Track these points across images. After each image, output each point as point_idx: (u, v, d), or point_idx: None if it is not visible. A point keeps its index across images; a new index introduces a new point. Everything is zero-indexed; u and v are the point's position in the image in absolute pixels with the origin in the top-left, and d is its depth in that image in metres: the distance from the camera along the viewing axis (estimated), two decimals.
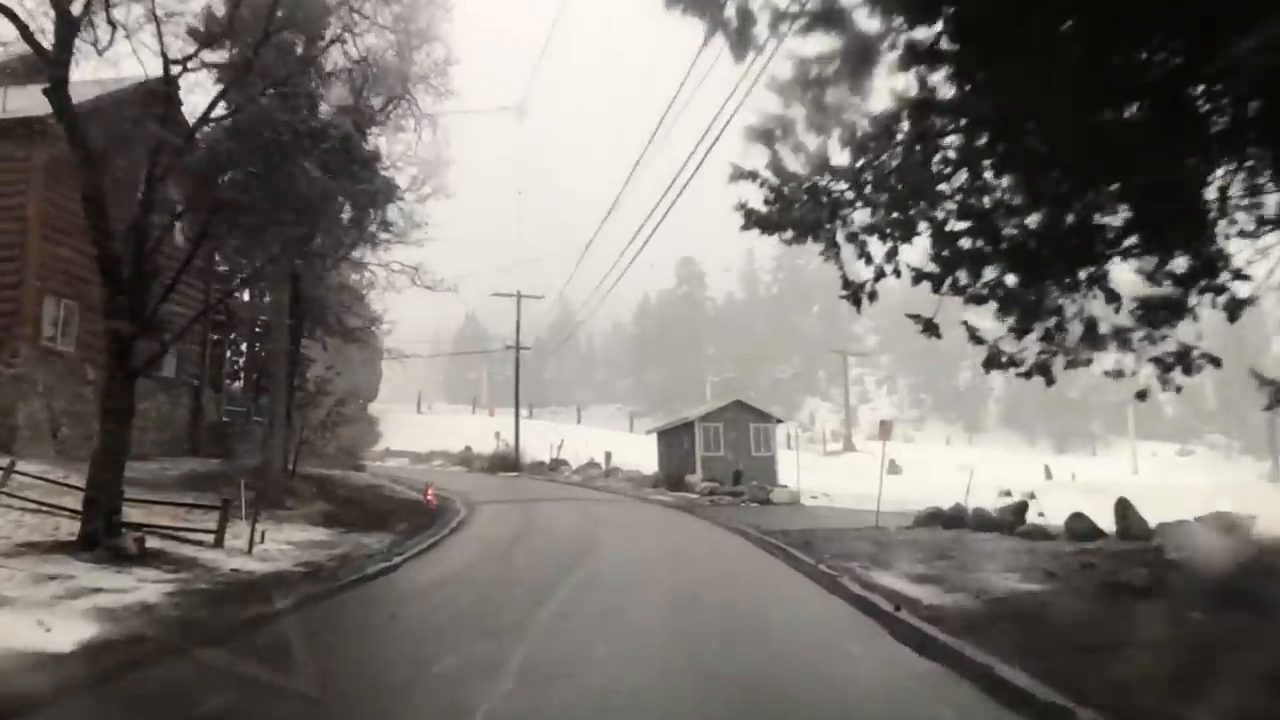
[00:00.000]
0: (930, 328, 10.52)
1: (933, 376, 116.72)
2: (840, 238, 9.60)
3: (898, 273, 9.90)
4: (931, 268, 9.92)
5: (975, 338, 10.21)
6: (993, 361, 10.09)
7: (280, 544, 15.94)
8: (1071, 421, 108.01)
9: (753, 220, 9.34)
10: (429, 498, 25.30)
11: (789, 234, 9.51)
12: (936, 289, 9.92)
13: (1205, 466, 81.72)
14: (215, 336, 29.29)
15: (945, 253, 9.38)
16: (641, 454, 52.54)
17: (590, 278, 28.19)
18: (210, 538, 14.31)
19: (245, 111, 19.19)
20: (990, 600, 9.90)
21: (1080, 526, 14.92)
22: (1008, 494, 27.21)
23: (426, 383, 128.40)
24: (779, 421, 36.60)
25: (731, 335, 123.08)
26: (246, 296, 30.41)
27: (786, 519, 23.08)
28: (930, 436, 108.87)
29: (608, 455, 44.93)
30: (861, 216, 9.72)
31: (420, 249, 26.75)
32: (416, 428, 74.57)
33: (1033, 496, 26.08)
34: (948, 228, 9.32)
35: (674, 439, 37.33)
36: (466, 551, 16.62)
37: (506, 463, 43.01)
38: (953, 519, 18.85)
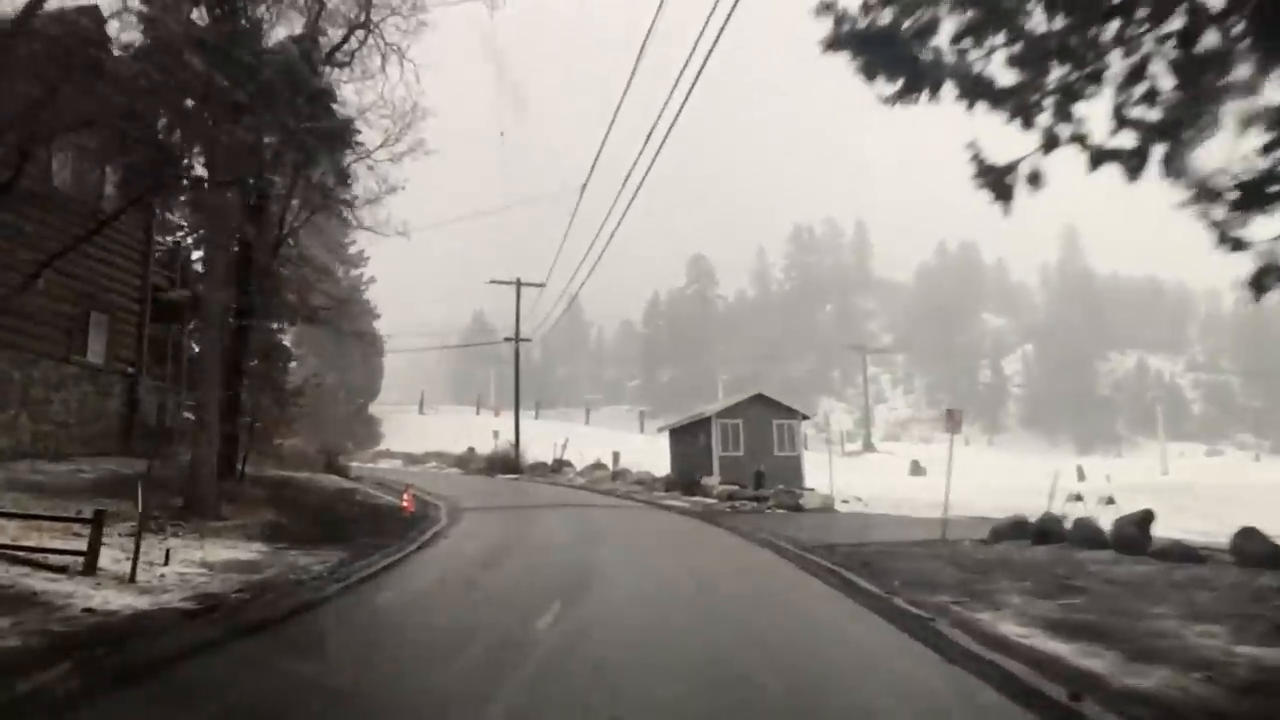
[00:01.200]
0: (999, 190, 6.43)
1: (950, 375, 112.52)
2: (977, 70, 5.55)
3: (1079, 140, 5.83)
4: (1126, 138, 5.83)
5: (1232, 240, 5.85)
6: (1268, 278, 5.74)
7: (187, 567, 12.00)
8: (1095, 422, 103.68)
9: (842, 36, 5.39)
10: (405, 504, 21.40)
11: (895, 73, 5.52)
12: (1135, 170, 5.84)
13: (1237, 467, 77.04)
14: (179, 326, 25.38)
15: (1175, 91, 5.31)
16: (652, 455, 48.61)
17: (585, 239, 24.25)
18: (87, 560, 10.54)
19: (162, 27, 15.44)
20: (1235, 683, 5.92)
21: (1257, 548, 10.83)
22: (1078, 498, 23.17)
23: (434, 384, 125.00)
24: (804, 417, 32.58)
25: (743, 334, 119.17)
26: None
27: (825, 529, 19.10)
28: (948, 437, 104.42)
29: (615, 456, 40.97)
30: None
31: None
32: (418, 428, 70.96)
33: (1110, 501, 22.04)
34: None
35: (688, 438, 33.33)
36: (424, 579, 12.65)
37: (506, 464, 39.08)
38: (1044, 532, 14.78)
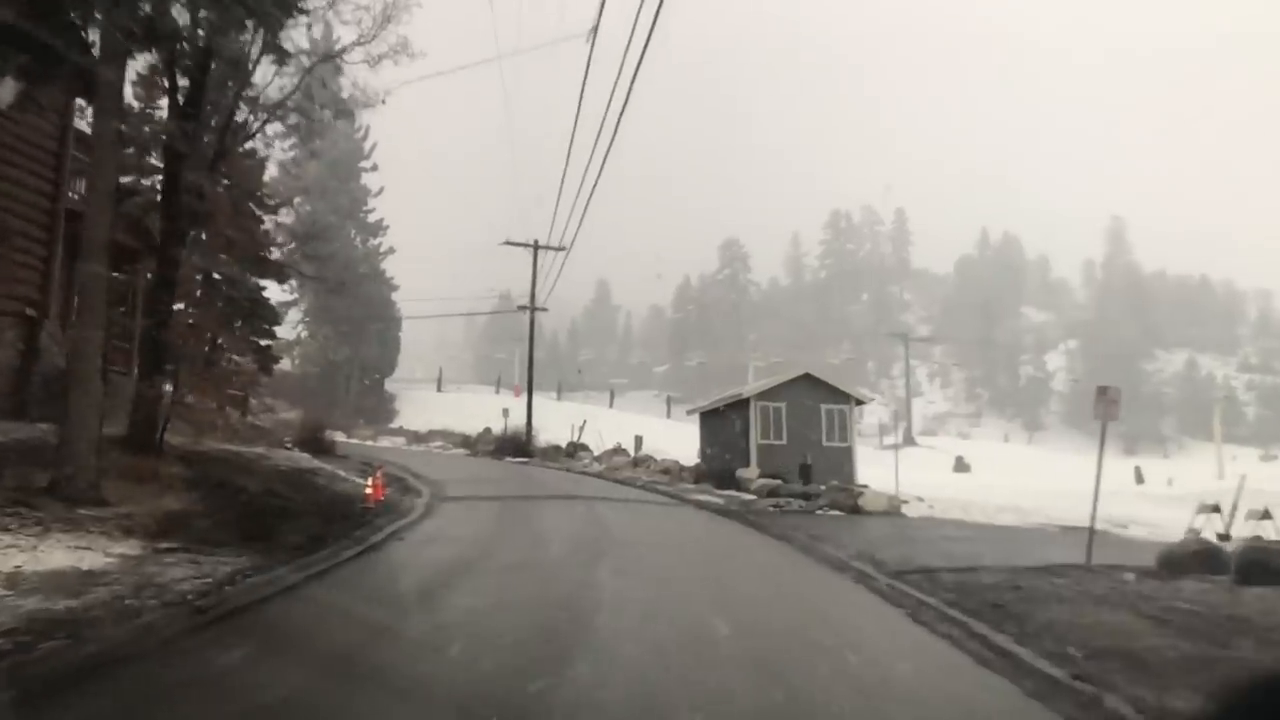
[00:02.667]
0: None
1: (990, 370, 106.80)
2: None
3: None
4: None
5: None
6: None
7: None
8: (1142, 422, 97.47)
9: None
10: (372, 490, 16.80)
11: None
12: None
13: None
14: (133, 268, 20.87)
15: None
16: (679, 441, 43.87)
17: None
18: None
19: None
20: None
21: None
22: (1214, 509, 18.15)
23: (460, 365, 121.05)
24: (859, 402, 27.64)
25: (775, 322, 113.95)
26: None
27: (905, 542, 14.38)
28: (987, 433, 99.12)
29: (638, 440, 36.25)
30: None
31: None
32: (435, 406, 66.48)
33: (1266, 515, 17.03)
34: None
35: (722, 422, 28.53)
36: (327, 617, 8.06)
37: (516, 446, 34.42)
38: (1255, 566, 9.89)
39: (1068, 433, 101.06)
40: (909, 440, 66.69)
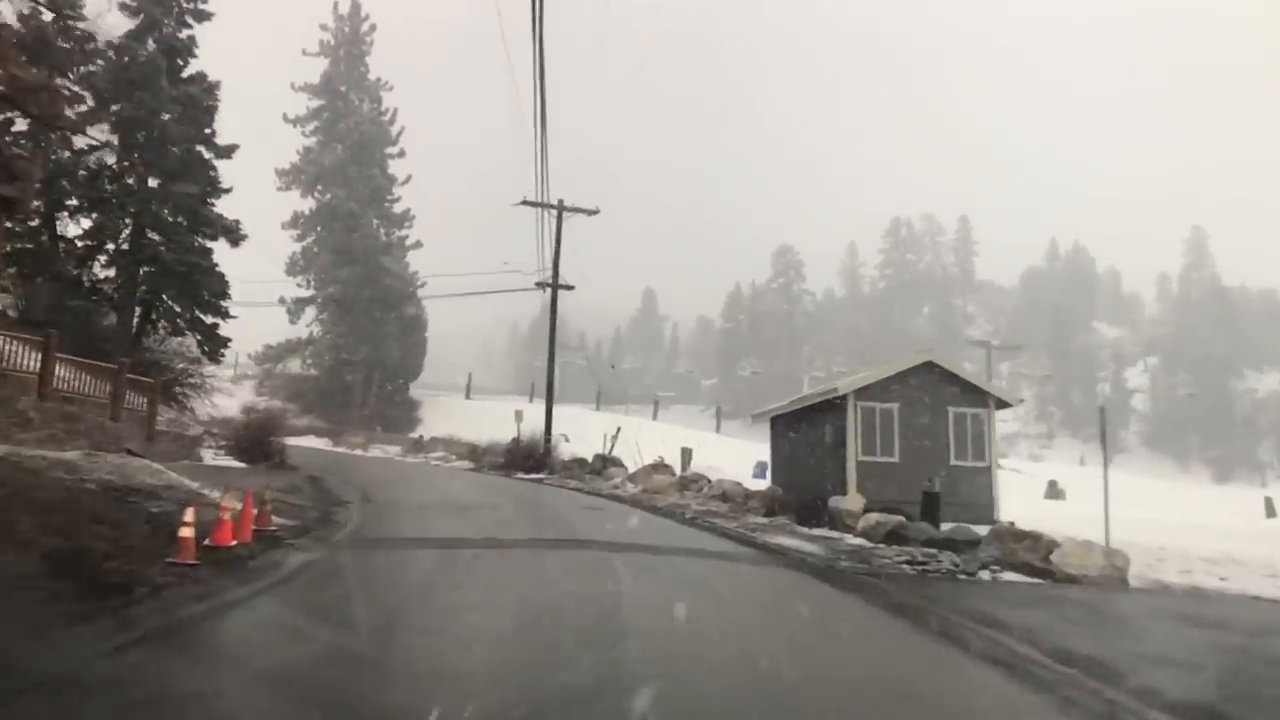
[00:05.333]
0: None
1: (1062, 387, 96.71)
2: None
3: None
4: None
5: None
6: None
7: None
8: (1237, 446, 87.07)
9: None
10: (220, 528, 8.88)
11: None
12: None
13: None
14: None
15: None
16: (733, 458, 35.55)
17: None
18: None
19: None
20: None
21: None
22: None
23: (500, 373, 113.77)
24: (1002, 404, 19.17)
25: (831, 333, 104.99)
26: None
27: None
28: (1060, 455, 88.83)
29: (686, 454, 28.05)
30: None
31: None
32: (461, 414, 58.44)
33: None
34: None
35: (803, 431, 20.24)
36: None
37: (530, 458, 26.41)
38: None
39: (1149, 455, 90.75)
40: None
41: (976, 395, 18.35)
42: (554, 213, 27.54)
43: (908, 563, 12.25)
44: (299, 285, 56.27)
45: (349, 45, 59.10)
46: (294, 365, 57.50)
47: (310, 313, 56.88)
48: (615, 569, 9.39)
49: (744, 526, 15.81)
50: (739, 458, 37.18)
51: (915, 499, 16.79)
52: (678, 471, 25.18)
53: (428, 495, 17.59)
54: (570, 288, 28.94)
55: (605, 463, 26.68)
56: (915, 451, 17.84)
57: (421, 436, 37.57)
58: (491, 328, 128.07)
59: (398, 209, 58.87)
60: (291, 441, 35.21)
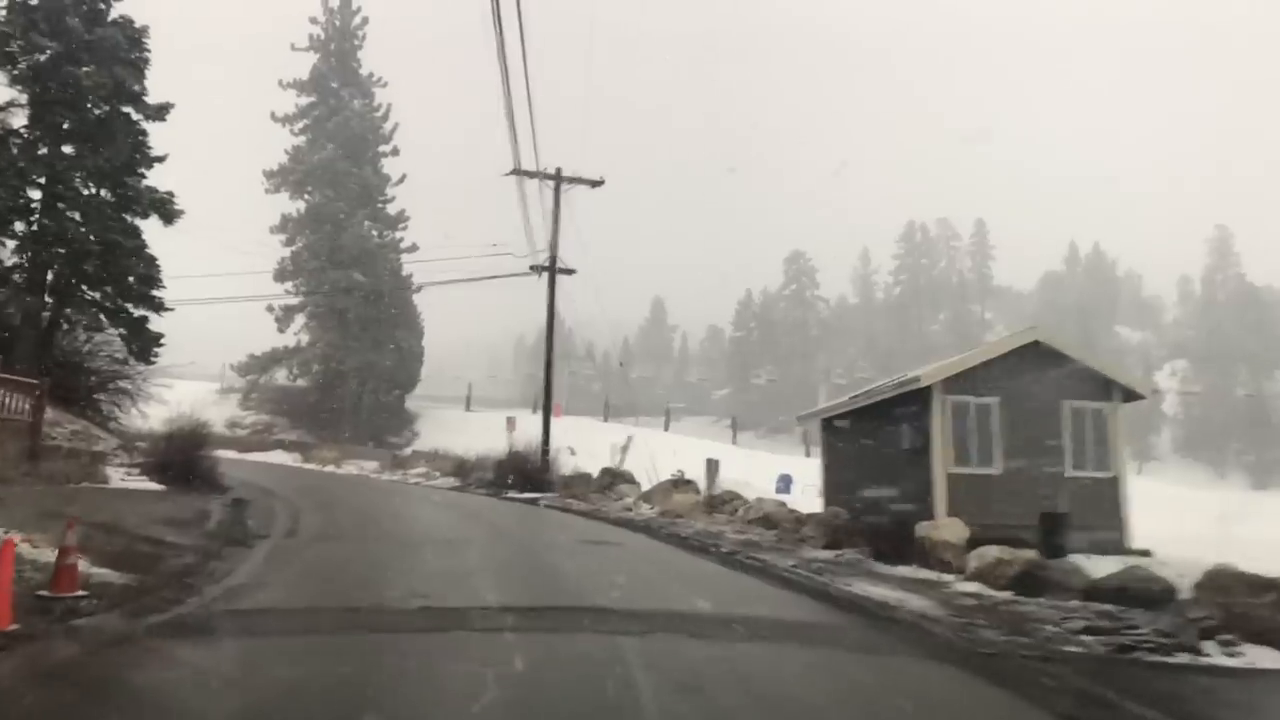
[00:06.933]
0: None
1: None
2: None
3: None
4: None
5: None
6: None
7: None
8: (1274, 451, 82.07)
9: None
10: None
11: None
12: None
13: None
14: None
15: None
16: (754, 472, 31.00)
17: None
18: None
19: None
20: None
21: None
22: None
23: (507, 385, 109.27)
24: (1133, 395, 14.63)
25: (846, 341, 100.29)
26: None
27: None
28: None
29: (712, 467, 23.44)
30: None
31: None
32: (460, 426, 53.90)
33: None
34: None
35: (868, 434, 15.64)
36: None
37: (525, 474, 21.90)
38: None
39: (1181, 463, 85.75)
40: None
41: (1098, 384, 13.81)
42: (551, 184, 23.06)
43: (1086, 631, 7.73)
44: (287, 292, 51.93)
45: (340, 40, 55.11)
46: (281, 377, 53.00)
47: (299, 320, 52.62)
48: (633, 686, 4.89)
49: (806, 566, 11.26)
50: (758, 471, 32.68)
51: (1024, 522, 12.26)
52: (704, 490, 20.54)
53: (380, 526, 13.16)
54: (571, 271, 24.39)
55: (614, 478, 22.08)
56: (1021, 459, 13.32)
57: (401, 451, 33.10)
58: (498, 342, 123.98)
59: (391, 209, 54.67)
60: (256, 457, 30.98)
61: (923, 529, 12.28)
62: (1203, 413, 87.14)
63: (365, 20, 55.90)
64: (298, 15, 55.94)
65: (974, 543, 11.46)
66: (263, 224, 52.80)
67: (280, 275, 51.64)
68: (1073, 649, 7.19)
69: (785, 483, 33.87)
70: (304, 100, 54.45)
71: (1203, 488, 65.52)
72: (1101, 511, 13.36)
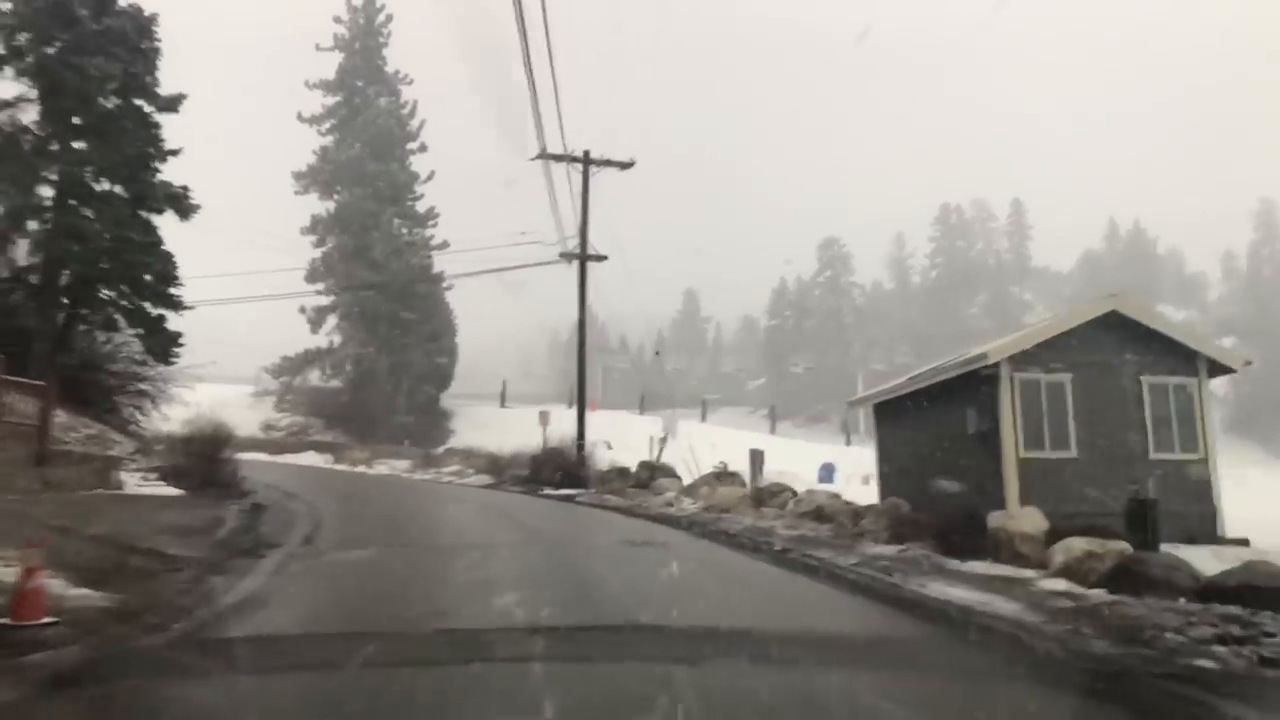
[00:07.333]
0: None
1: None
2: None
3: None
4: None
5: None
6: None
7: None
8: None
9: None
10: None
11: None
12: None
13: None
14: None
15: None
16: (795, 462, 29.76)
17: None
18: None
19: None
20: None
21: None
22: None
23: (543, 381, 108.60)
24: (1221, 369, 13.35)
25: (883, 327, 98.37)
26: None
27: None
28: None
29: (756, 458, 22.31)
30: None
31: None
32: (495, 424, 53.12)
33: None
34: None
35: (929, 417, 14.45)
36: None
37: (561, 470, 20.94)
38: None
39: (1235, 444, 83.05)
40: None
41: (1181, 357, 12.56)
42: (579, 167, 22.00)
43: (1218, 640, 6.56)
44: (318, 293, 51.41)
45: (364, 37, 54.50)
46: (314, 378, 52.55)
47: (331, 321, 52.14)
48: None
49: (869, 565, 10.14)
50: (800, 461, 31.47)
51: (1106, 510, 11.07)
52: (749, 483, 19.38)
53: (404, 530, 12.23)
54: (603, 258, 23.33)
55: (654, 472, 21.04)
56: (1099, 441, 12.09)
57: (433, 450, 32.32)
58: (533, 338, 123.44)
59: (420, 207, 54.00)
60: (287, 459, 30.36)
61: (996, 519, 11.09)
62: (1253, 390, 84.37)
63: (389, 17, 55.25)
64: (322, 13, 55.55)
65: (1053, 534, 10.31)
66: (295, 226, 52.52)
67: (311, 276, 51.18)
68: (1206, 663, 6.03)
69: (828, 472, 32.68)
70: (330, 100, 53.99)
71: (1259, 466, 63.38)
72: (1189, 496, 12.12)
